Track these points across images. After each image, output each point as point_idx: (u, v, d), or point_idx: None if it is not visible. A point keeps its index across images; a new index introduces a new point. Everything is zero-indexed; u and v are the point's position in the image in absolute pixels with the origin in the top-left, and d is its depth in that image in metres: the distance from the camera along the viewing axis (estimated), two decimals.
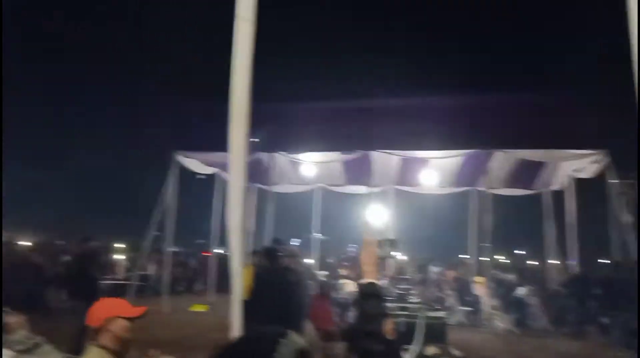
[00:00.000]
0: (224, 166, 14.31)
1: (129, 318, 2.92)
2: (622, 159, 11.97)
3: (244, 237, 4.06)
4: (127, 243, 28.48)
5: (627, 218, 12.13)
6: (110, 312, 2.90)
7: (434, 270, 17.01)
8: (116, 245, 26.81)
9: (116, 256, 20.95)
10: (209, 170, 14.86)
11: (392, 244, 2.90)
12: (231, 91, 3.38)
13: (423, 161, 13.98)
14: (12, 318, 3.73)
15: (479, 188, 15.31)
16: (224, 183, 15.12)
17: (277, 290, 7.29)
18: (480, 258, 15.49)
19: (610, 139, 11.74)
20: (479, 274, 14.67)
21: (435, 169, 14.42)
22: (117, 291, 16.23)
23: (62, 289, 13.97)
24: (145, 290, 18.93)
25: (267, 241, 12.35)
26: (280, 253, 8.79)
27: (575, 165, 13.42)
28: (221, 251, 19.78)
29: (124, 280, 18.01)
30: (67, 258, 17.55)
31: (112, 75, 28.79)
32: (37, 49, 26.85)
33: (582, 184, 14.35)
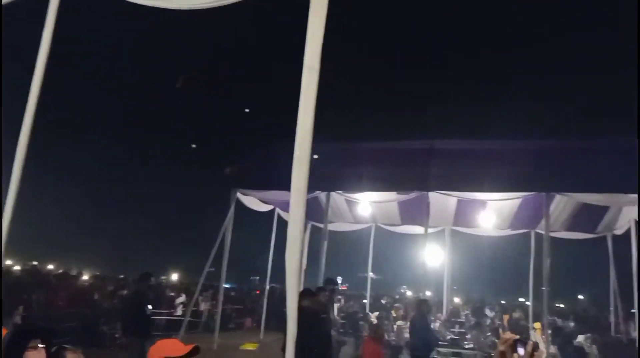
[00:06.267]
0: (280, 204, 14.47)
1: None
2: None
3: (300, 276, 4.10)
4: (183, 279, 28.91)
5: None
6: (160, 354, 2.97)
7: (489, 313, 16.52)
8: (172, 281, 27.19)
9: (172, 293, 21.28)
10: (266, 207, 15.04)
11: None
12: (297, 133, 3.53)
13: (481, 203, 13.75)
14: (70, 354, 3.77)
15: (539, 231, 14.88)
16: (281, 221, 15.20)
17: (322, 331, 7.49)
18: (538, 303, 14.96)
19: None
20: (537, 319, 14.14)
21: (494, 211, 14.13)
22: (171, 327, 16.36)
23: (118, 324, 13.93)
24: (198, 326, 19.09)
25: (318, 280, 12.29)
26: (327, 295, 8.87)
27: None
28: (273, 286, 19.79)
29: (179, 316, 18.24)
30: (123, 293, 17.76)
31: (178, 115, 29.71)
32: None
33: None
